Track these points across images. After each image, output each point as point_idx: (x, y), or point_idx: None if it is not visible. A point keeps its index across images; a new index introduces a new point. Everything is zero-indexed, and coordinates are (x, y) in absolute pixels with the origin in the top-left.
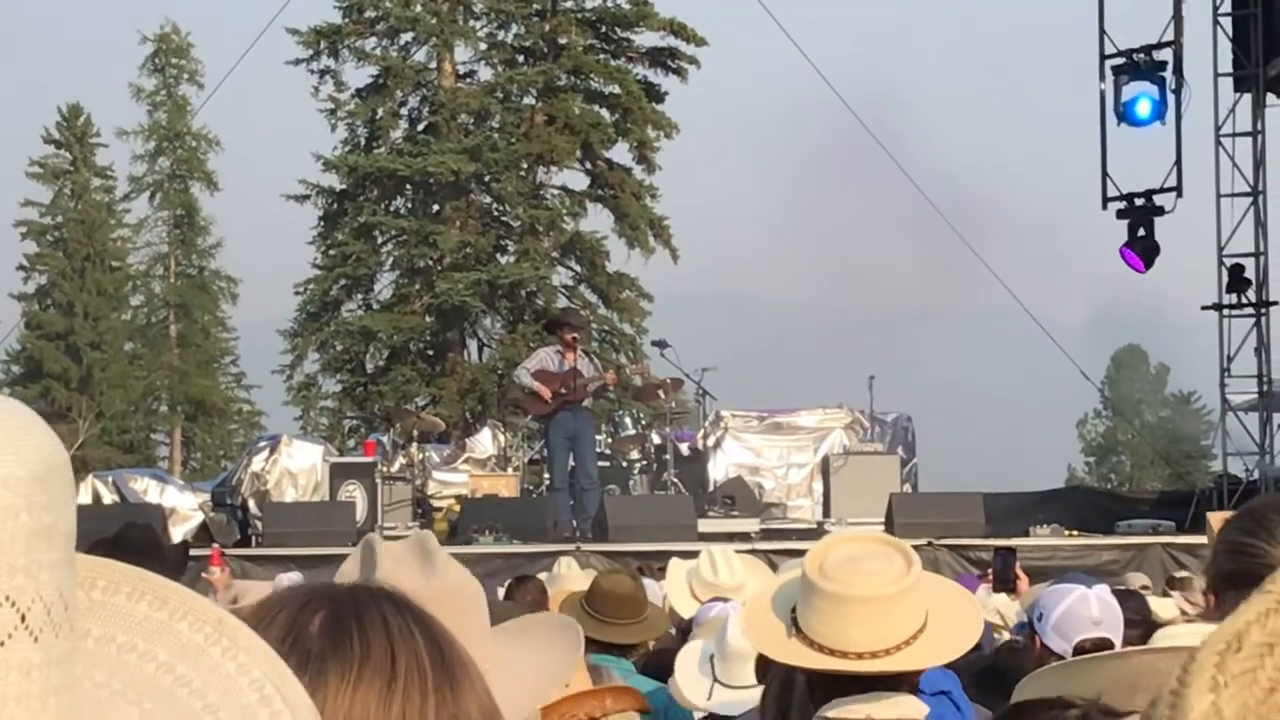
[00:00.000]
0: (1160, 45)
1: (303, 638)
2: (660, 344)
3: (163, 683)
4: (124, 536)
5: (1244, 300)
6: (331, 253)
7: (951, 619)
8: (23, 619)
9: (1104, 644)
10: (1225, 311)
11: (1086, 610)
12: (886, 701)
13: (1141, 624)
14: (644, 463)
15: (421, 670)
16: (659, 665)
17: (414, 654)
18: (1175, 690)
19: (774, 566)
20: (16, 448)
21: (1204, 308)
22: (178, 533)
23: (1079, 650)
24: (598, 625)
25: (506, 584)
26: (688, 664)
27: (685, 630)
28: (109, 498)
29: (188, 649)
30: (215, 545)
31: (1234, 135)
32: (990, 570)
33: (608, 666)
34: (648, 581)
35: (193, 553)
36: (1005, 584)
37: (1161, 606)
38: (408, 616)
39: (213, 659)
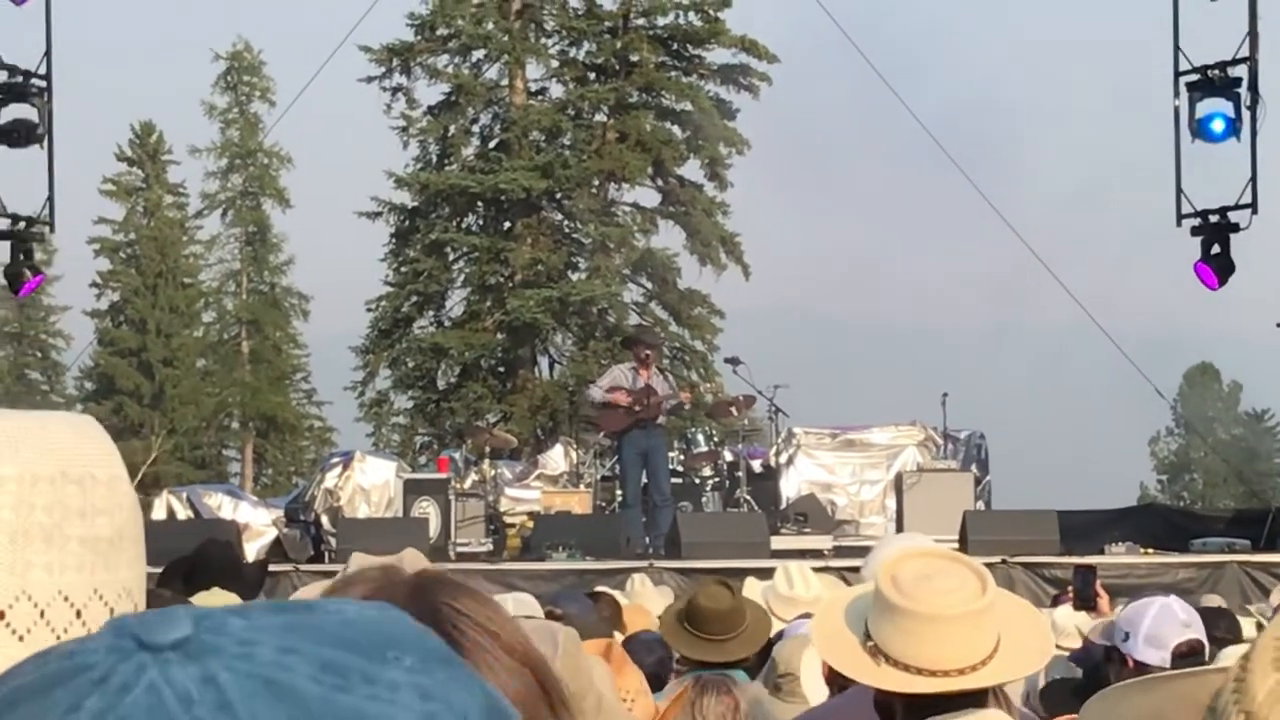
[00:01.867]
0: (1235, 61)
1: None
2: (732, 361)
3: None
4: (204, 554)
5: None
6: (403, 269)
7: (1023, 635)
8: (1, 616)
9: (1197, 645)
10: None
11: (1174, 616)
12: (976, 715)
13: (1233, 642)
14: (716, 480)
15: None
16: None
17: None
18: (1239, 675)
19: (848, 584)
20: (17, 447)
21: (1278, 325)
22: (251, 549)
23: (1176, 655)
24: (698, 644)
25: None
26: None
27: (766, 649)
28: (183, 513)
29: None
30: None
31: None
32: (1070, 588)
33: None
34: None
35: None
36: (1086, 602)
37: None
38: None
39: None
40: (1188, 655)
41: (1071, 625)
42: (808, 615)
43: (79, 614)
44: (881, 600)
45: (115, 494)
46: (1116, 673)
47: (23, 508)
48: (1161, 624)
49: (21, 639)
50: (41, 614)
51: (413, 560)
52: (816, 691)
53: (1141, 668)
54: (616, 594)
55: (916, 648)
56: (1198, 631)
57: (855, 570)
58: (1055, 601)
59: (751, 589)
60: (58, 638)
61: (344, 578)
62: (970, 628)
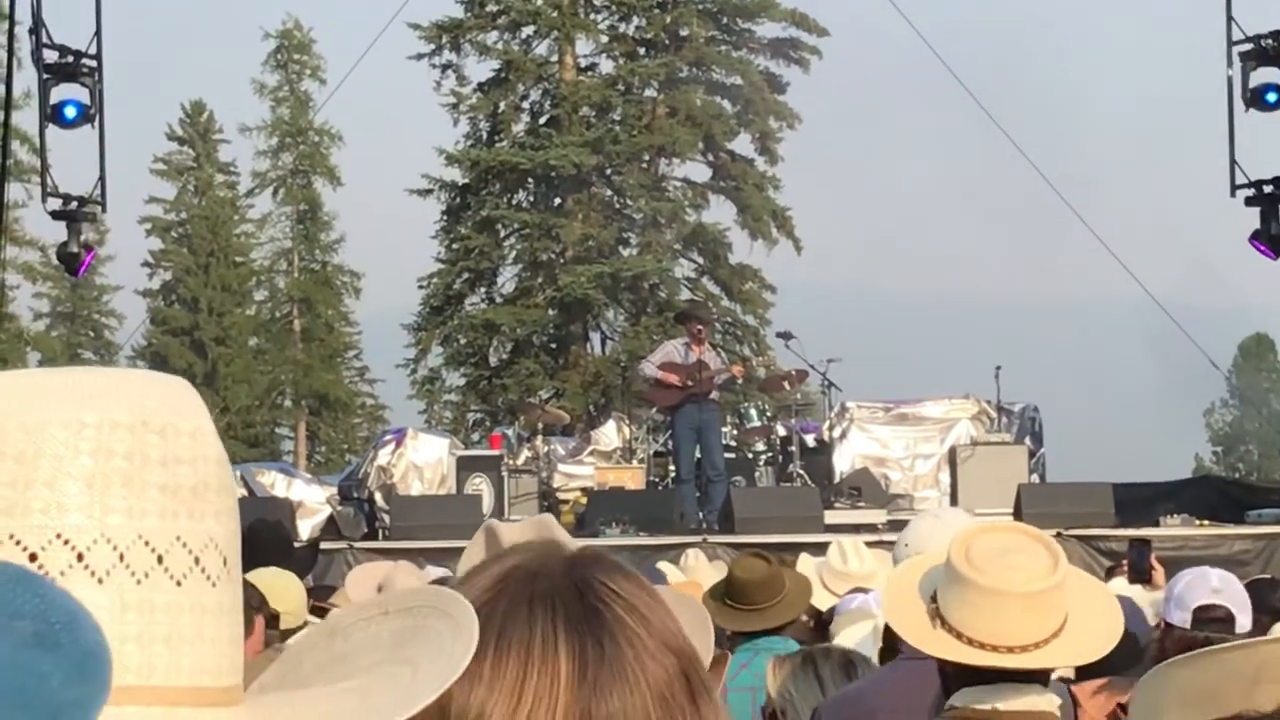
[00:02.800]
0: None
1: None
2: (785, 335)
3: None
4: (255, 533)
5: None
6: (454, 246)
7: (1093, 613)
8: (79, 558)
9: (1224, 612)
10: None
11: (1205, 582)
12: (1014, 694)
13: None
14: (769, 454)
15: (554, 690)
16: None
17: (551, 674)
18: None
19: None
20: (95, 395)
21: None
22: (305, 526)
23: (1197, 616)
24: (739, 615)
25: None
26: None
27: (825, 622)
28: (237, 492)
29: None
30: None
31: None
32: (1125, 561)
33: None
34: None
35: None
36: (1141, 575)
37: None
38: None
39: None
40: (1207, 621)
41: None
42: (860, 590)
43: (160, 559)
44: (951, 570)
45: (198, 444)
46: (1158, 637)
47: (101, 453)
48: (1191, 587)
49: (100, 581)
50: (121, 557)
51: (546, 526)
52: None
53: (1169, 628)
54: (671, 568)
55: (975, 619)
56: (1230, 601)
57: None
58: (1109, 574)
59: (805, 564)
60: (137, 581)
61: (504, 551)
62: (1032, 606)
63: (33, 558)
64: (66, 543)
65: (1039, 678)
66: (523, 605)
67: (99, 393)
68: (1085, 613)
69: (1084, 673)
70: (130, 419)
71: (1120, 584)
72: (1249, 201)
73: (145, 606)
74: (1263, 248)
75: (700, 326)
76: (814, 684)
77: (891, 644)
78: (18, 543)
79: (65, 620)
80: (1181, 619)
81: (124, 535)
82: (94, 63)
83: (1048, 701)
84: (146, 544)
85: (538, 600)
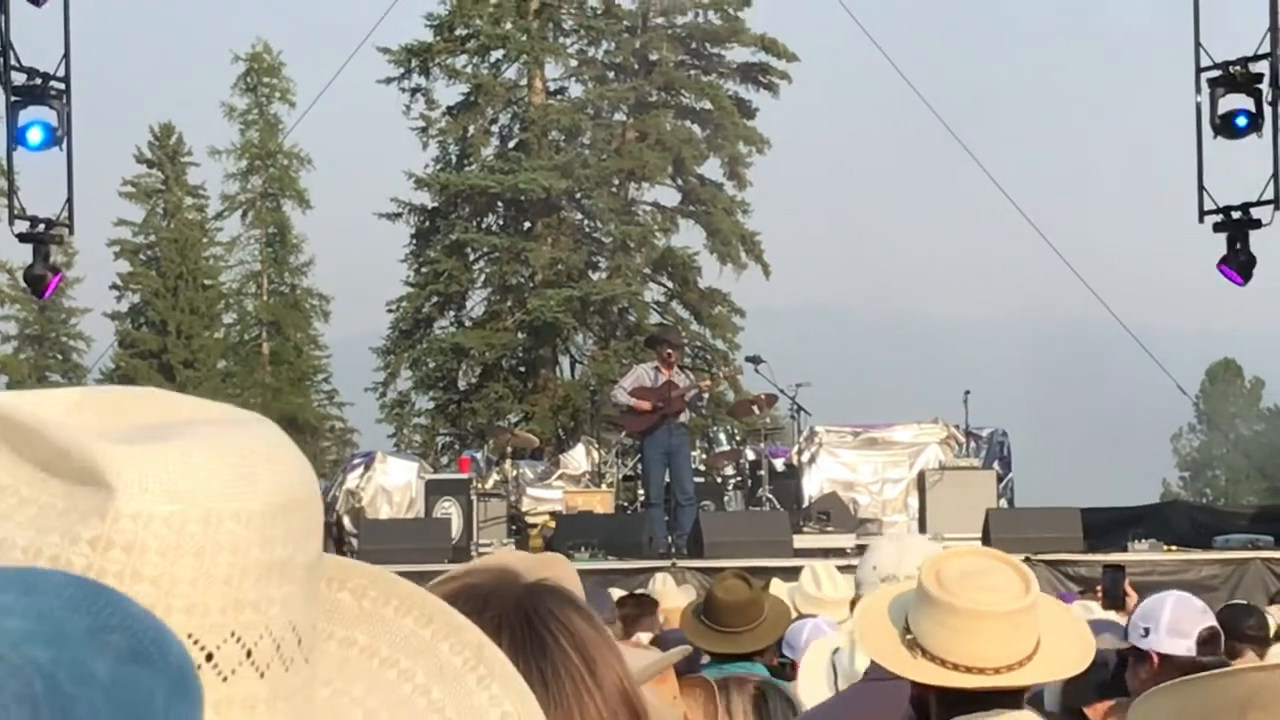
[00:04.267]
0: (1257, 57)
1: None
2: (754, 360)
3: (417, 706)
4: None
5: None
6: (423, 270)
7: (1064, 634)
8: (248, 654)
9: (1216, 632)
10: None
11: (1191, 605)
12: (1006, 716)
13: (1264, 640)
14: (739, 479)
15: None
16: None
17: (575, 682)
18: None
19: None
20: (254, 480)
21: None
22: None
23: (1200, 641)
24: (717, 637)
25: (618, 599)
26: (812, 670)
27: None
28: None
29: (445, 672)
30: None
31: None
32: (1098, 587)
33: (743, 674)
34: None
35: None
36: (1115, 601)
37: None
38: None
39: (468, 686)
40: (1209, 641)
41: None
42: (811, 616)
43: (300, 641)
44: (923, 595)
45: (315, 512)
46: (1138, 671)
47: (267, 543)
48: (1181, 614)
49: (262, 675)
50: (278, 648)
51: (549, 564)
52: (811, 687)
53: (1167, 660)
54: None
55: (955, 643)
56: (1212, 619)
57: None
58: (1065, 601)
59: (778, 590)
60: (286, 670)
61: (466, 568)
62: (1010, 627)
63: (209, 657)
64: (239, 640)
65: (1016, 700)
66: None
67: (257, 475)
68: (1056, 632)
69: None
70: (283, 499)
71: (1081, 610)
72: (1217, 227)
73: (286, 694)
74: (1231, 274)
75: (671, 351)
76: (724, 715)
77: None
78: (195, 641)
79: (153, 635)
80: (1186, 647)
81: (280, 626)
82: (62, 85)
83: None
84: (294, 629)
85: (486, 622)
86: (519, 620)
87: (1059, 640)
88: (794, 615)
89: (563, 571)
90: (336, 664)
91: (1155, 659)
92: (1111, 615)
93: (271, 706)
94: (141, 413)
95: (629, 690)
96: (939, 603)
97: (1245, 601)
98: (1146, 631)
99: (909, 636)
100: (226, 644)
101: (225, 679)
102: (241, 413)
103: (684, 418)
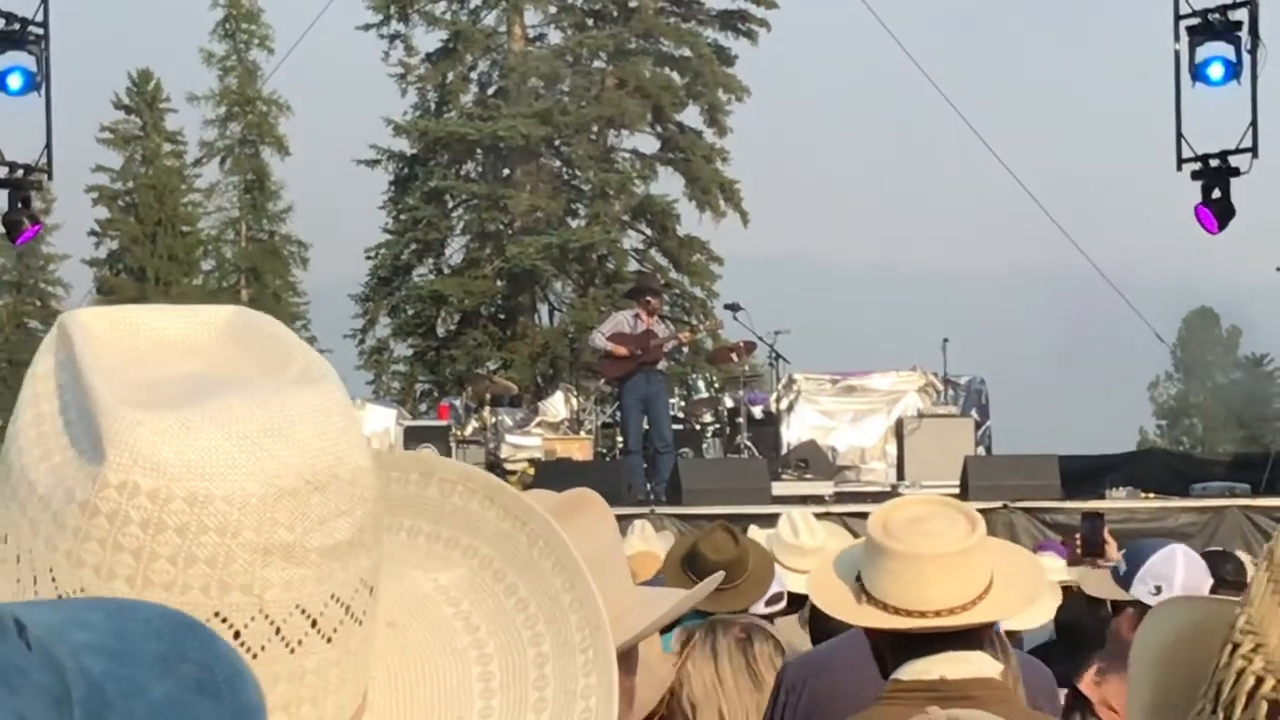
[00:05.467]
0: (1236, 5)
1: None
2: (733, 307)
3: (526, 660)
4: None
5: None
6: (402, 217)
7: (1016, 575)
8: (235, 635)
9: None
10: None
11: (1199, 565)
12: (959, 659)
13: (1241, 586)
14: (717, 426)
15: None
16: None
17: None
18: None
19: (850, 529)
20: (265, 459)
21: (1278, 269)
22: None
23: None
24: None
25: None
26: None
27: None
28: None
29: (566, 649)
30: None
31: None
32: (1077, 535)
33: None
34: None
35: None
36: (1094, 549)
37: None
38: None
39: (576, 665)
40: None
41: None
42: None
43: (314, 623)
44: (870, 543)
45: (357, 489)
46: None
47: (265, 527)
48: (1193, 574)
49: (255, 656)
50: (277, 630)
51: (537, 501)
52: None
53: (1140, 606)
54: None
55: (898, 587)
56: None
57: (856, 516)
58: (1036, 549)
59: (754, 537)
60: (291, 651)
61: None
62: (953, 569)
63: (236, 635)
64: (225, 621)
65: (975, 643)
66: None
67: (262, 452)
68: (1009, 573)
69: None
70: (293, 481)
71: (1047, 560)
72: (1195, 175)
73: (296, 674)
74: (1207, 220)
75: (651, 299)
76: (709, 657)
77: (821, 625)
78: (224, 620)
79: (228, 674)
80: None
81: (280, 608)
82: (41, 30)
83: (991, 666)
84: (303, 612)
85: None
86: None
87: (1010, 583)
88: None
89: (597, 510)
90: (491, 609)
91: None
92: (1061, 566)
93: (272, 688)
94: (242, 357)
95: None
96: (884, 549)
97: (1222, 549)
98: (1159, 589)
99: (858, 585)
100: (209, 623)
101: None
102: (316, 371)
103: (661, 366)
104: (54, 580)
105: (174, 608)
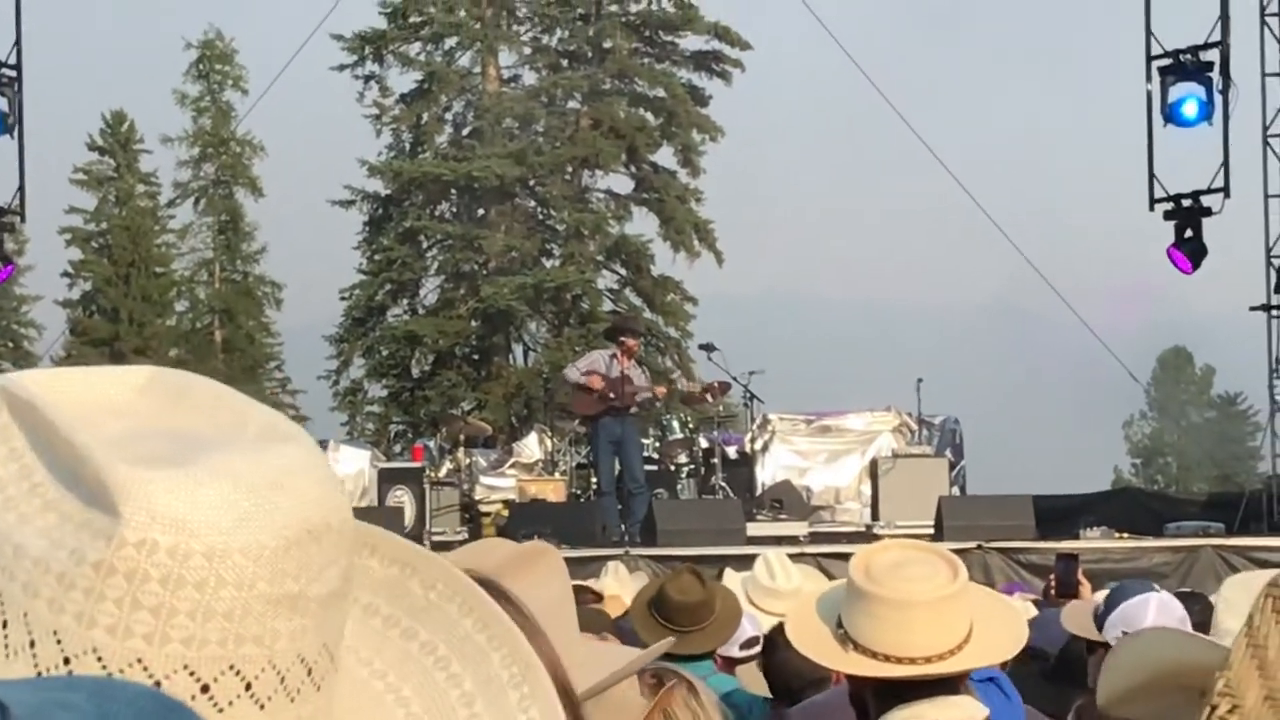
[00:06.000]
0: (1207, 46)
1: None
2: (707, 347)
3: (459, 717)
4: None
5: None
6: (377, 258)
7: (996, 624)
8: (248, 686)
9: None
10: (1274, 312)
11: (1173, 615)
12: (948, 705)
13: (1206, 628)
14: (692, 466)
15: None
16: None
17: None
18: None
19: (824, 570)
20: (270, 513)
21: (1252, 308)
22: None
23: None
24: (666, 635)
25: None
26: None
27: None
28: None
29: (492, 684)
30: None
31: None
32: (1052, 576)
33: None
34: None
35: None
36: (1069, 589)
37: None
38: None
39: (510, 703)
40: None
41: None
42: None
43: (310, 671)
44: (853, 588)
45: (344, 538)
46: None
47: (275, 578)
48: (1127, 616)
49: (263, 707)
50: (282, 680)
51: (491, 549)
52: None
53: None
54: (592, 582)
55: (883, 634)
56: (1189, 627)
57: (831, 557)
58: (1004, 591)
59: (731, 580)
60: (291, 700)
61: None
62: (937, 615)
63: (205, 689)
64: (239, 673)
65: (954, 688)
66: None
67: (273, 508)
68: (989, 620)
69: None
70: (299, 532)
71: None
72: (1167, 215)
73: None
74: (1180, 260)
75: (629, 340)
76: None
77: (785, 684)
78: (192, 673)
79: None
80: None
81: (286, 658)
82: (14, 72)
83: (978, 710)
84: (303, 660)
85: None
86: None
87: (991, 627)
88: (746, 607)
89: (550, 563)
90: (399, 656)
91: (1101, 647)
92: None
93: None
94: (188, 416)
95: (560, 675)
96: (867, 594)
97: (1190, 590)
98: (1125, 634)
99: (840, 631)
100: (225, 676)
101: (221, 710)
102: (283, 427)
103: (633, 410)
104: (59, 643)
105: (192, 660)
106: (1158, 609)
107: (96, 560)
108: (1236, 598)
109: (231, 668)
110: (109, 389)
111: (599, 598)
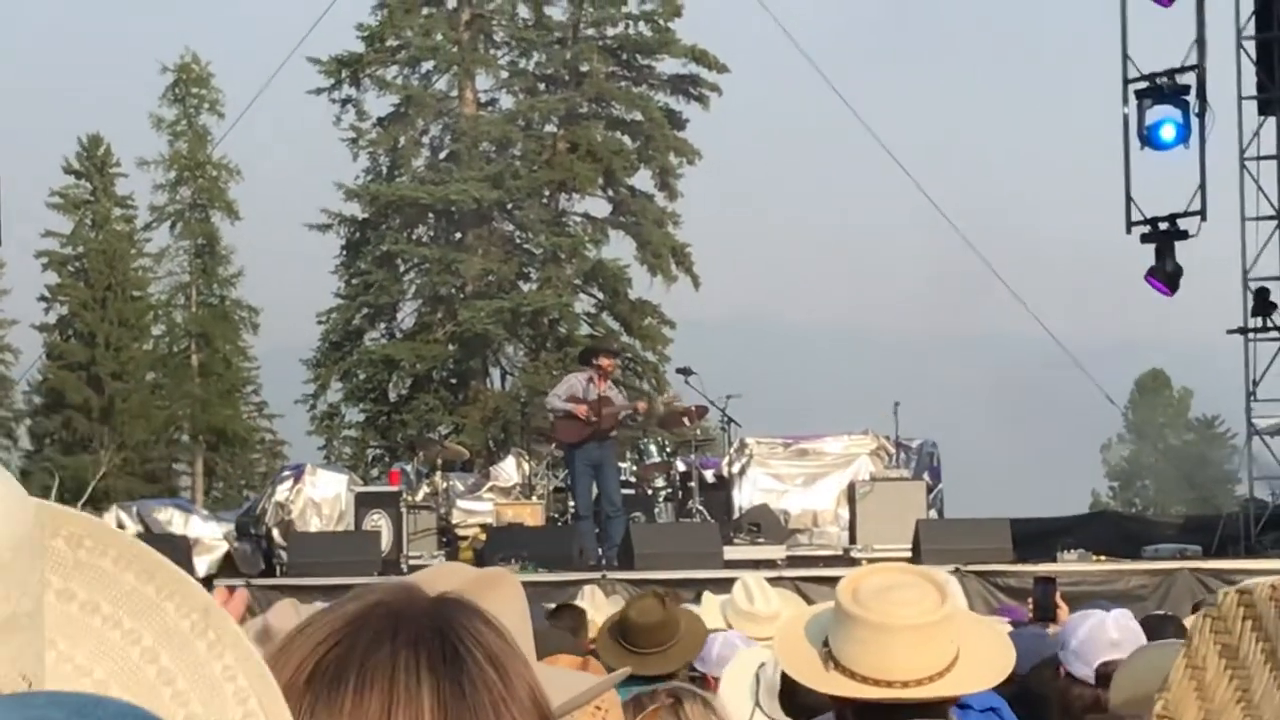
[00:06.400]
0: (1184, 69)
1: (296, 678)
2: (684, 371)
3: (146, 675)
4: None
5: (1270, 324)
6: (354, 281)
7: (984, 646)
8: None
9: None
10: (1251, 335)
11: (1105, 634)
12: None
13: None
14: (669, 490)
15: None
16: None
17: (415, 711)
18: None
19: (802, 594)
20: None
21: (1229, 331)
22: (202, 563)
23: (1100, 674)
24: (632, 658)
25: (549, 610)
26: (735, 682)
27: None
28: (133, 528)
29: (173, 636)
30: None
31: (1259, 159)
32: (1030, 599)
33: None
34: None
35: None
36: (1046, 612)
37: None
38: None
39: (198, 653)
40: (1107, 678)
41: None
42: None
43: (30, 686)
44: (840, 610)
45: (35, 543)
46: (1051, 678)
47: None
48: (1090, 640)
49: None
50: None
51: (451, 573)
52: (733, 701)
53: (1071, 678)
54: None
55: (863, 655)
56: (1124, 652)
57: (809, 580)
58: (995, 614)
59: (710, 603)
60: None
61: (363, 588)
62: (921, 640)
63: None
64: None
65: (939, 715)
66: (385, 641)
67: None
68: (977, 646)
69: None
70: (5, 552)
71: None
72: (1144, 239)
73: None
74: (1158, 284)
75: (604, 361)
76: None
77: (790, 690)
78: None
79: None
80: (1084, 674)
81: (9, 683)
82: None
83: None
84: (24, 678)
85: (401, 637)
86: (433, 636)
87: (978, 655)
88: (725, 628)
89: (509, 589)
90: (58, 620)
91: (1063, 672)
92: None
93: None
94: None
95: (540, 698)
96: (853, 617)
97: (1165, 612)
98: (1064, 645)
99: (825, 651)
100: None
101: None
102: None
103: (614, 433)
104: None
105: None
106: (1090, 628)
107: None
108: None
109: None
110: None
111: (583, 618)
